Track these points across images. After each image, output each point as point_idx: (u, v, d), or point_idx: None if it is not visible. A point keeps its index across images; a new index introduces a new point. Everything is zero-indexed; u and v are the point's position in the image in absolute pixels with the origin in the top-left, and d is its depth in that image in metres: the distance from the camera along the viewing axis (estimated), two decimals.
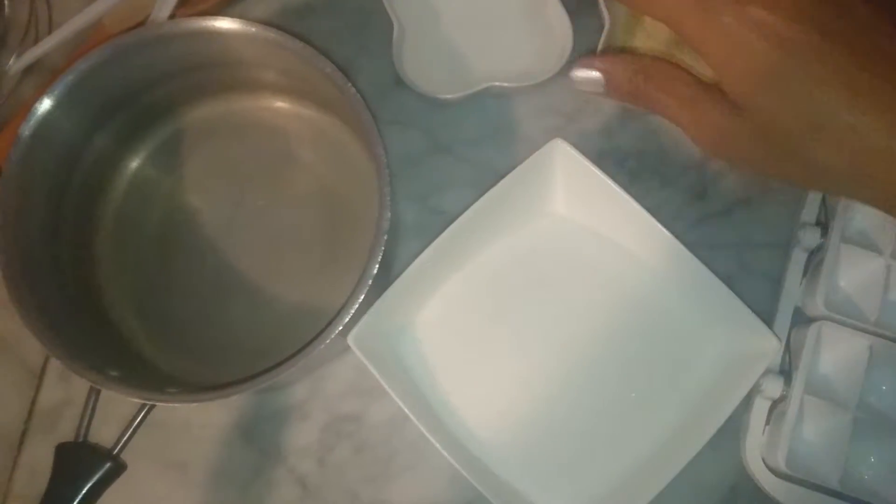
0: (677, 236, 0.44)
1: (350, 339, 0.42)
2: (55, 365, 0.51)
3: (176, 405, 0.42)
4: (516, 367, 0.46)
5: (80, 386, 0.44)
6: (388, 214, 0.41)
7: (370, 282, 0.40)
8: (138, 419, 0.40)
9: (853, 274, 0.46)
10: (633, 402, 0.45)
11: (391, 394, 0.42)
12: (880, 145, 0.30)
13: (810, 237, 0.47)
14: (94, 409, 0.40)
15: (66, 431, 0.44)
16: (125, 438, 0.39)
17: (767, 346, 0.42)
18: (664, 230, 0.44)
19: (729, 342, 0.44)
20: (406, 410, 0.42)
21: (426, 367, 0.46)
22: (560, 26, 0.51)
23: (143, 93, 0.48)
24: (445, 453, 0.41)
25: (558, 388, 0.46)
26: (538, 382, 0.46)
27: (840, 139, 0.30)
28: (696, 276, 0.44)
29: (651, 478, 0.42)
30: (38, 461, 0.49)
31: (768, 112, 0.32)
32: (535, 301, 0.47)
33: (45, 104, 0.42)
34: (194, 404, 0.49)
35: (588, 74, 0.40)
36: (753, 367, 0.42)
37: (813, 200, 0.49)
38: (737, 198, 0.52)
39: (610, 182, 0.44)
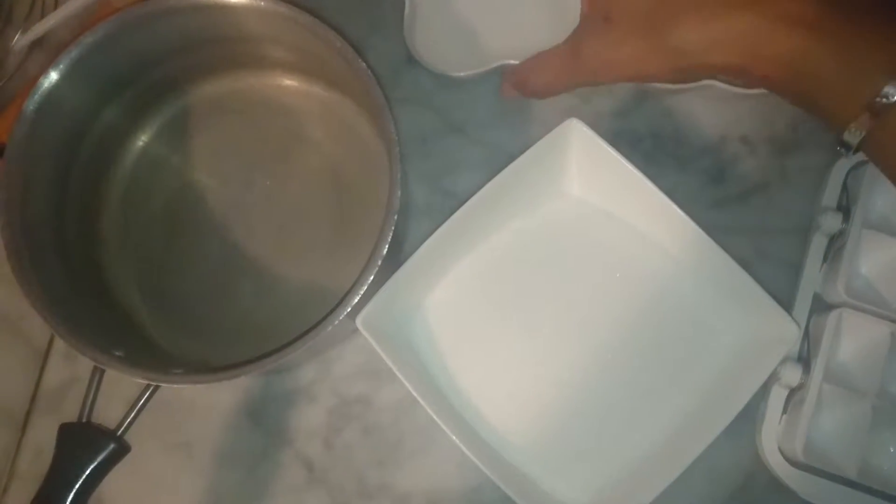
0: (694, 220, 0.43)
1: (359, 321, 0.41)
2: (60, 344, 0.50)
3: (181, 386, 0.41)
4: (528, 350, 0.46)
5: (85, 365, 0.44)
6: (399, 194, 0.40)
7: (380, 263, 0.39)
8: (143, 400, 0.39)
9: (875, 260, 0.45)
10: (647, 388, 0.44)
11: (400, 376, 0.41)
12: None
13: (831, 222, 0.46)
14: (97, 390, 0.40)
15: (70, 411, 0.44)
16: (129, 419, 0.39)
17: (787, 332, 0.41)
18: (682, 213, 0.43)
19: (747, 327, 0.43)
20: (414, 393, 0.41)
21: (436, 349, 0.45)
22: (574, 2, 0.50)
23: (151, 68, 0.47)
24: (454, 437, 0.41)
25: (571, 372, 0.45)
26: (550, 366, 0.45)
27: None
28: (713, 260, 0.43)
29: (665, 465, 0.41)
30: (43, 441, 0.49)
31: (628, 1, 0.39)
32: (547, 284, 0.46)
33: (50, 79, 0.41)
34: (201, 384, 0.49)
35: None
36: (772, 354, 0.41)
37: (834, 185, 0.47)
38: (754, 182, 0.51)
39: (626, 163, 0.43)
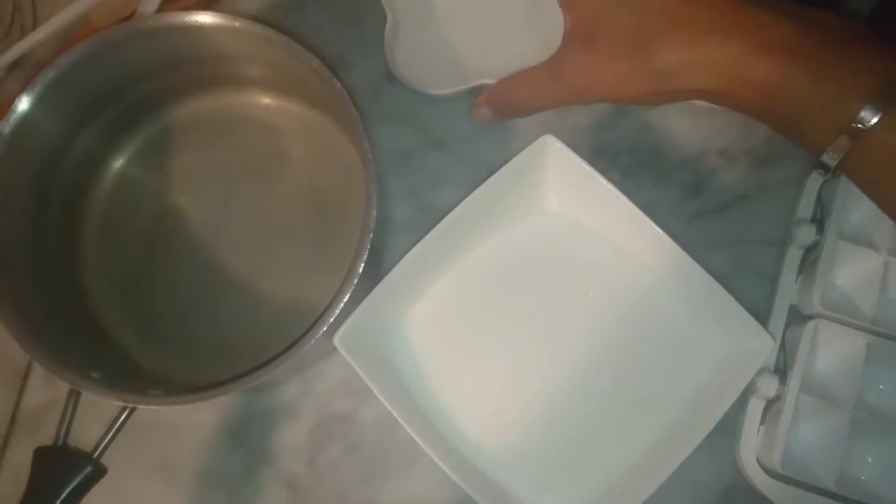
0: (672, 233, 0.43)
1: (336, 340, 0.41)
2: (39, 366, 0.50)
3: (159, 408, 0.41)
4: (508, 366, 0.46)
5: (65, 387, 0.44)
6: (374, 213, 0.40)
7: (356, 281, 0.39)
8: (119, 422, 0.39)
9: (850, 271, 0.45)
10: (626, 401, 0.45)
11: (378, 395, 0.41)
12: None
13: (806, 234, 0.46)
14: (74, 412, 0.40)
15: (50, 433, 0.43)
16: (106, 441, 0.39)
17: (762, 344, 0.41)
18: (658, 228, 0.43)
19: (723, 340, 0.43)
20: (393, 412, 0.41)
21: (415, 366, 0.45)
22: (555, 21, 0.50)
23: (129, 89, 0.48)
24: (434, 456, 0.41)
25: (551, 387, 0.45)
26: (530, 381, 0.45)
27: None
28: (689, 275, 0.43)
29: (645, 477, 0.41)
30: (23, 463, 0.47)
31: (612, 24, 0.39)
32: (527, 299, 0.47)
33: (26, 101, 0.41)
34: (181, 405, 0.49)
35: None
36: (748, 366, 0.41)
37: (808, 197, 0.48)
38: (732, 195, 0.51)
39: (601, 178, 0.43)
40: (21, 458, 0.49)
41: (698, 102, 0.47)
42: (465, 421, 0.45)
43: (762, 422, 0.45)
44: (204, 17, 0.42)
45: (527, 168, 0.44)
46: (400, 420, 0.41)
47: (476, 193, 0.43)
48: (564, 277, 0.47)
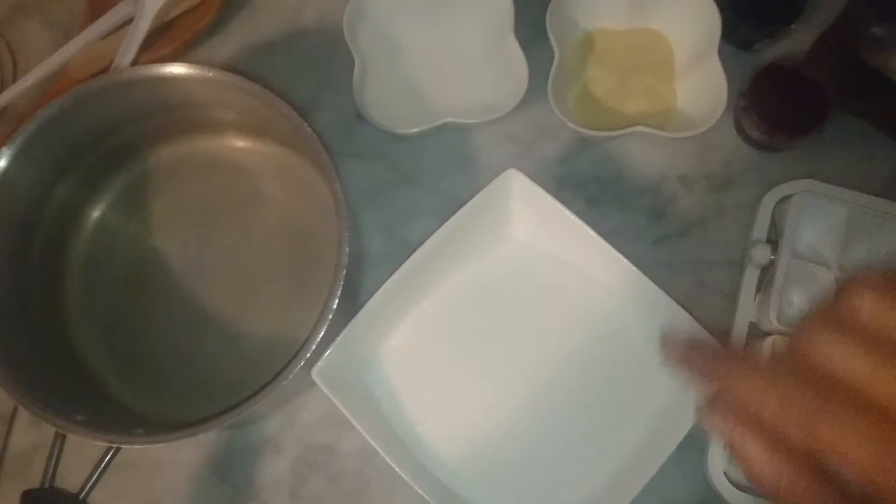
0: (637, 257, 0.45)
1: (314, 374, 0.42)
2: (25, 411, 0.51)
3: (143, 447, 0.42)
4: (482, 393, 0.47)
5: (50, 430, 0.45)
6: (347, 250, 0.41)
7: (331, 317, 0.41)
8: (105, 462, 0.40)
9: (804, 288, 0.47)
10: (596, 421, 0.46)
11: (357, 426, 0.43)
12: None
13: (761, 254, 0.48)
14: (59, 455, 0.41)
15: (37, 476, 0.44)
16: (91, 482, 0.40)
17: None
18: (618, 254, 0.45)
19: None
20: (372, 442, 0.42)
21: (393, 396, 0.47)
22: (516, 62, 0.52)
23: (107, 137, 0.49)
24: (413, 483, 0.42)
25: (524, 411, 0.47)
26: (504, 406, 0.47)
27: None
28: (651, 297, 0.45)
29: (618, 492, 0.42)
30: None
31: None
32: (499, 327, 0.48)
33: (5, 156, 0.43)
34: (167, 443, 0.50)
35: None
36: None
37: (763, 218, 0.50)
38: (693, 218, 0.53)
39: (564, 209, 0.45)
40: (8, 501, 0.49)
41: (649, 131, 0.50)
42: (442, 447, 0.46)
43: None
44: (178, 69, 0.44)
45: (493, 201, 0.46)
46: (379, 450, 0.42)
47: (444, 227, 0.45)
48: (534, 305, 0.48)
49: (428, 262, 0.46)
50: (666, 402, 0.45)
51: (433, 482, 0.44)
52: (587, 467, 0.45)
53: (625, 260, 0.45)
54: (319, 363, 0.42)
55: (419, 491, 0.42)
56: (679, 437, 0.42)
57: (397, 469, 0.42)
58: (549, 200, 0.45)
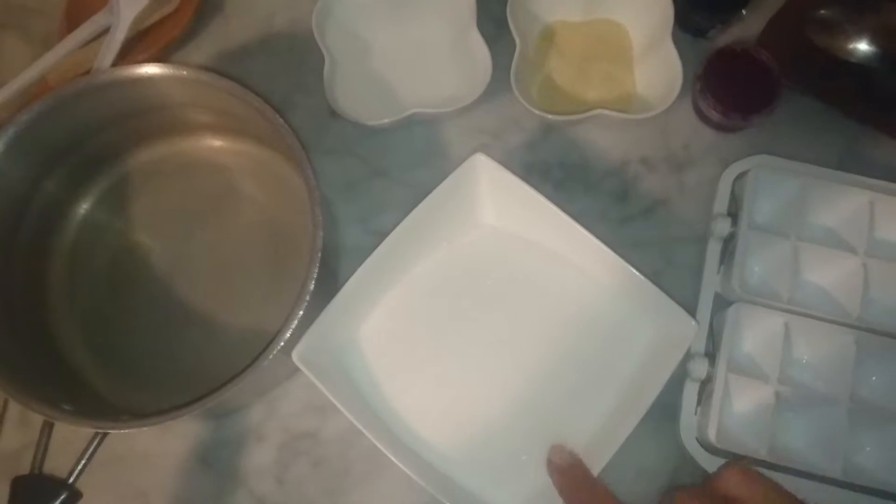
0: (604, 237, 0.47)
1: (294, 356, 0.44)
2: (14, 410, 0.52)
3: (131, 432, 0.42)
4: (460, 371, 0.48)
5: (38, 428, 0.46)
6: (321, 234, 0.43)
7: (307, 300, 0.42)
8: (92, 448, 0.41)
9: (764, 257, 0.49)
10: (571, 394, 0.47)
11: (339, 406, 0.44)
12: None
13: (721, 226, 0.50)
14: (48, 442, 0.42)
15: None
16: (80, 467, 0.41)
17: (687, 328, 0.45)
18: (586, 232, 0.47)
19: (654, 328, 0.47)
20: (354, 421, 0.44)
21: (372, 378, 0.48)
22: (480, 53, 0.54)
23: (88, 140, 0.51)
24: (395, 460, 0.43)
25: (500, 386, 0.48)
26: (481, 384, 0.48)
27: None
28: (619, 272, 0.47)
29: (594, 458, 0.43)
30: None
31: None
32: (472, 307, 0.50)
33: None
34: (152, 434, 0.51)
35: None
36: (676, 349, 0.45)
37: (723, 193, 0.52)
38: (656, 198, 0.55)
39: (531, 190, 0.47)
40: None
41: (610, 113, 0.52)
42: (422, 426, 0.47)
43: (698, 403, 0.48)
44: (152, 69, 0.46)
45: (461, 185, 0.48)
46: (361, 428, 0.43)
47: (415, 212, 0.47)
48: (506, 285, 0.50)
49: (400, 246, 0.47)
50: (636, 370, 0.47)
51: (414, 457, 0.46)
52: (563, 436, 0.46)
53: (593, 238, 0.46)
54: (299, 345, 0.44)
55: (400, 465, 0.43)
56: (651, 398, 0.43)
57: (379, 445, 0.43)
58: (517, 182, 0.47)
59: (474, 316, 0.50)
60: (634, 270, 0.46)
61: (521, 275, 0.50)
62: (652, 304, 0.47)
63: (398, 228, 0.47)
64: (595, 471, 0.43)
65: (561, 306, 0.49)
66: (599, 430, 0.46)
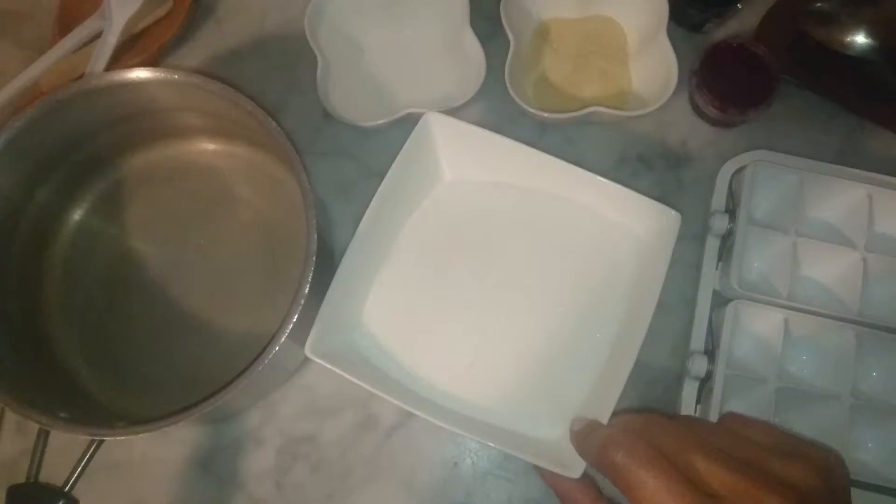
0: None
1: (307, 350, 0.43)
2: (10, 418, 0.52)
3: (128, 438, 0.43)
4: (467, 323, 0.48)
5: (34, 436, 0.45)
6: (315, 237, 0.43)
7: (302, 303, 0.42)
8: (88, 455, 0.41)
9: (763, 253, 0.49)
10: (578, 314, 0.47)
11: (364, 385, 0.43)
12: None
13: (720, 223, 0.50)
14: (43, 451, 0.41)
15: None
16: (76, 475, 0.40)
17: (670, 220, 0.45)
18: (550, 157, 0.47)
19: (641, 230, 0.47)
20: (383, 395, 0.43)
21: (386, 352, 0.48)
22: (474, 53, 0.54)
23: (80, 146, 0.51)
24: (435, 420, 0.43)
25: (509, 325, 0.48)
26: (491, 330, 0.48)
27: None
28: (593, 187, 0.47)
29: (613, 376, 0.44)
30: None
31: None
32: (461, 259, 0.49)
33: None
34: (151, 440, 0.51)
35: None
36: (666, 242, 0.45)
37: (720, 189, 0.52)
38: (653, 195, 0.53)
39: (488, 133, 0.47)
40: None
41: (606, 111, 0.51)
42: (446, 383, 0.47)
43: (698, 402, 0.48)
44: (144, 73, 0.46)
45: (421, 146, 0.48)
46: (392, 399, 0.43)
47: (383, 184, 0.47)
48: (492, 230, 0.50)
49: (378, 221, 0.47)
50: (634, 277, 0.47)
51: (450, 414, 0.45)
52: (580, 362, 0.47)
53: (559, 160, 0.47)
54: (308, 340, 0.43)
55: (442, 424, 0.43)
56: (653, 301, 0.44)
57: (416, 411, 0.43)
58: (472, 129, 0.47)
59: (467, 266, 0.49)
60: (607, 180, 0.47)
61: (499, 217, 0.50)
62: (633, 208, 0.47)
63: (372, 204, 0.47)
64: (625, 374, 0.43)
65: (546, 236, 0.49)
66: (614, 344, 0.46)
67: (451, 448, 0.51)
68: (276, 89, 0.58)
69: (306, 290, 0.42)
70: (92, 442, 0.41)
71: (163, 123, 0.52)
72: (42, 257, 0.52)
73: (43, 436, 0.42)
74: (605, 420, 0.42)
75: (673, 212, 0.45)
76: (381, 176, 0.56)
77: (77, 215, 0.54)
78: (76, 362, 0.51)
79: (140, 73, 0.46)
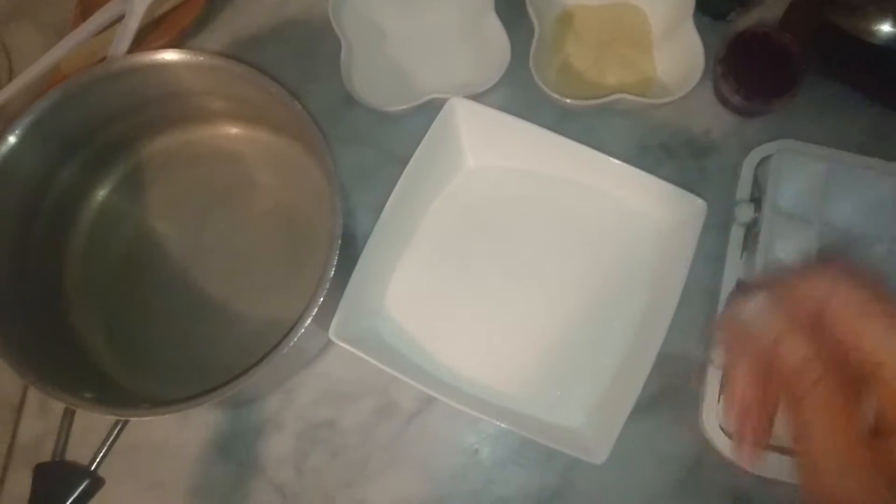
0: None
1: (331, 334, 0.44)
2: (33, 398, 0.52)
3: (148, 422, 0.42)
4: (487, 308, 0.49)
5: (58, 416, 0.45)
6: (341, 221, 0.43)
7: (328, 285, 0.42)
8: (113, 435, 0.41)
9: (788, 243, 0.48)
10: (599, 301, 0.48)
11: (388, 370, 0.44)
12: None
13: (744, 212, 0.50)
14: (69, 430, 0.42)
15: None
16: (102, 454, 0.40)
17: (696, 208, 0.45)
18: (575, 144, 0.47)
19: (665, 218, 0.47)
20: (407, 380, 0.43)
21: (408, 338, 0.48)
22: (498, 38, 0.54)
23: (104, 127, 0.51)
24: (461, 406, 0.43)
25: (530, 311, 0.48)
26: (513, 315, 0.48)
27: None
28: (617, 174, 0.47)
29: (637, 362, 0.44)
30: (22, 493, 0.49)
31: None
32: (483, 245, 0.50)
33: (6, 144, 0.44)
34: (170, 424, 0.51)
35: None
36: (692, 230, 0.45)
37: (745, 178, 0.52)
38: (676, 184, 0.54)
39: (513, 119, 0.47)
40: (19, 488, 0.50)
41: (631, 98, 0.51)
42: (466, 368, 0.47)
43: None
44: (169, 55, 0.45)
45: (445, 131, 0.48)
46: (414, 384, 0.43)
47: (407, 170, 0.47)
48: (510, 216, 0.50)
49: (402, 207, 0.47)
50: (658, 263, 0.47)
51: (474, 399, 0.46)
52: (604, 347, 0.47)
53: (584, 147, 0.47)
54: (333, 323, 0.44)
55: (465, 409, 0.43)
56: (679, 288, 0.44)
57: (438, 396, 0.44)
58: (498, 115, 0.47)
59: (489, 253, 0.50)
60: (633, 167, 0.46)
61: (521, 204, 0.51)
62: (657, 195, 0.47)
63: (396, 189, 0.47)
64: (649, 361, 0.42)
65: (569, 223, 0.50)
66: (638, 330, 0.46)
67: (471, 435, 0.51)
68: (296, 75, 0.58)
69: (331, 274, 0.42)
70: (117, 423, 0.41)
71: (186, 107, 0.52)
72: (64, 239, 0.52)
73: (69, 416, 0.42)
74: (627, 412, 0.42)
75: (699, 200, 0.45)
76: (401, 163, 0.56)
77: (99, 196, 0.54)
78: (96, 345, 0.51)
79: (165, 56, 0.46)
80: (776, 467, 0.45)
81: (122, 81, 0.47)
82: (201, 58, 0.45)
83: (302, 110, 0.44)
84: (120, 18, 0.56)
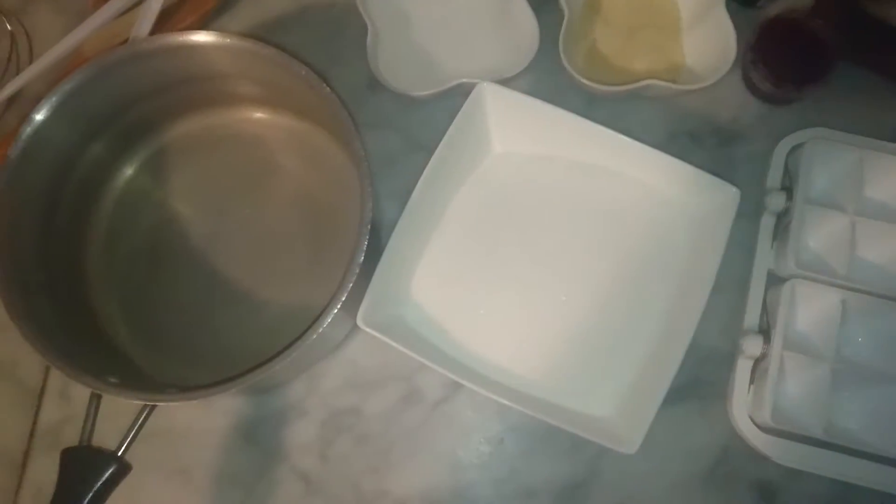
0: None
1: (359, 320, 0.43)
2: (54, 384, 0.52)
3: (172, 408, 0.42)
4: (516, 297, 0.48)
5: (79, 402, 0.45)
6: (371, 205, 0.42)
7: (357, 270, 0.41)
8: (140, 421, 0.40)
9: (820, 232, 0.48)
10: (630, 293, 0.47)
11: (416, 357, 0.43)
12: None
13: (776, 201, 0.49)
14: (96, 415, 0.41)
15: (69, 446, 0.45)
16: (129, 439, 0.40)
17: (728, 195, 0.45)
18: (605, 129, 0.46)
19: (697, 206, 0.46)
20: (436, 367, 0.43)
21: (436, 326, 0.48)
22: (526, 23, 0.53)
23: (129, 109, 0.50)
24: (488, 393, 0.43)
25: (558, 299, 0.48)
26: (540, 304, 0.48)
27: None
28: (648, 160, 0.46)
29: (667, 353, 0.43)
30: (43, 478, 0.50)
31: None
32: (511, 231, 0.49)
33: (33, 123, 0.44)
34: (194, 411, 0.50)
35: None
36: (725, 218, 0.45)
37: (777, 167, 0.51)
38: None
39: (542, 104, 0.47)
40: (41, 473, 0.50)
41: (661, 84, 0.50)
42: (493, 356, 0.47)
43: (751, 381, 0.47)
44: (196, 37, 0.45)
45: (474, 116, 0.47)
46: (441, 370, 0.43)
47: (435, 155, 0.46)
48: (538, 203, 0.50)
49: (429, 193, 0.47)
50: (690, 253, 0.47)
51: (500, 388, 0.45)
52: (634, 337, 0.46)
53: (613, 133, 0.46)
54: (361, 309, 0.43)
55: (495, 398, 0.43)
56: (710, 280, 0.44)
57: (466, 383, 0.43)
58: (527, 100, 0.47)
59: (516, 240, 0.49)
60: (663, 153, 0.46)
61: (549, 190, 0.50)
62: (688, 183, 0.46)
63: (424, 175, 0.46)
64: (681, 351, 0.42)
65: (597, 210, 0.49)
66: (668, 320, 0.46)
67: (496, 424, 0.50)
68: (319, 59, 0.56)
69: (361, 259, 0.41)
70: (144, 408, 0.41)
71: (210, 90, 0.51)
72: (87, 222, 0.51)
73: (95, 400, 0.41)
74: (659, 402, 0.41)
75: (732, 188, 0.44)
76: (426, 148, 0.55)
77: (122, 179, 0.53)
78: (120, 330, 0.50)
79: (191, 37, 0.45)
80: (804, 459, 0.45)
81: (148, 63, 0.46)
82: (229, 40, 0.45)
83: (331, 93, 0.43)
84: (141, 1, 0.56)
